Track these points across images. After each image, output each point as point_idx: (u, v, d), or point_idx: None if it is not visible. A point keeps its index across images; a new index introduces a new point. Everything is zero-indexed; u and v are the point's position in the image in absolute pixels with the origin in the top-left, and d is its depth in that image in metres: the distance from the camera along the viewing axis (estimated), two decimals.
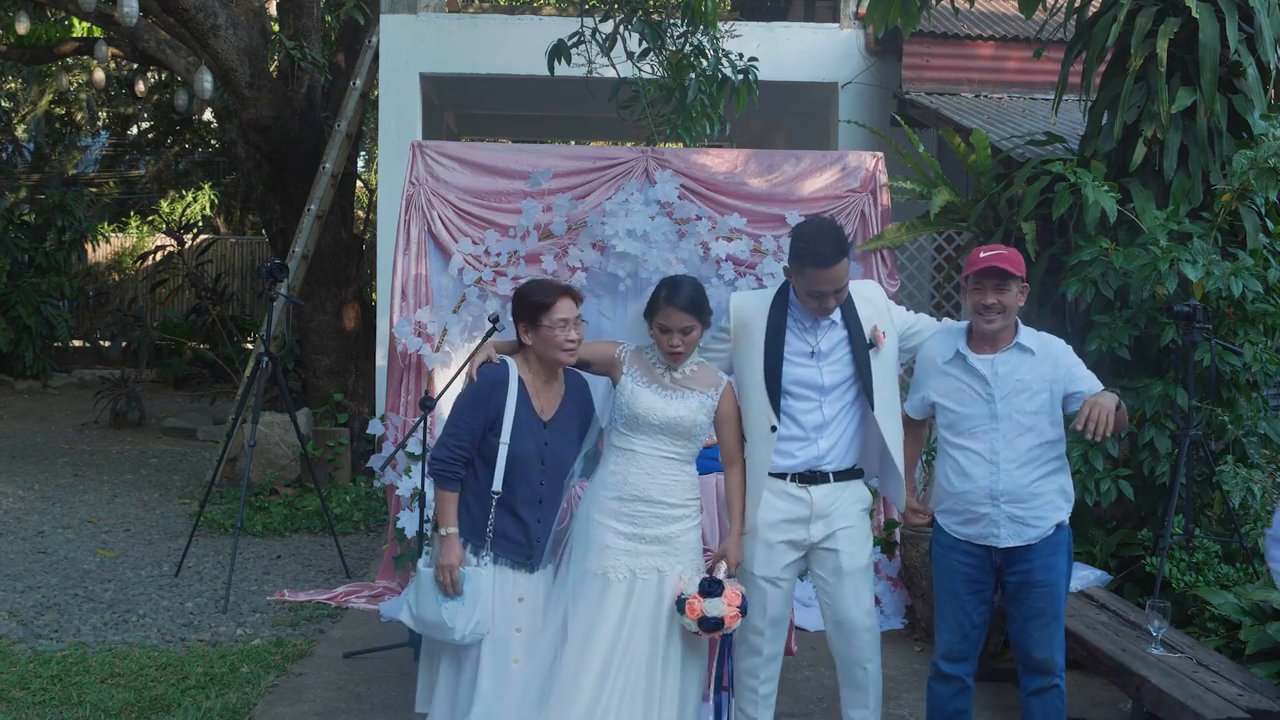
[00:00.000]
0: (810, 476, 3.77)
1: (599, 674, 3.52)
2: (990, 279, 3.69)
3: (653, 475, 3.67)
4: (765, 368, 3.73)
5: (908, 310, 4.04)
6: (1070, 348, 3.81)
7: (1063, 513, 3.75)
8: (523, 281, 6.05)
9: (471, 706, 3.59)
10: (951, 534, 3.81)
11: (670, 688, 3.63)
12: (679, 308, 3.66)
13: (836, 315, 3.79)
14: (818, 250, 3.65)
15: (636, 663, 3.58)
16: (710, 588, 3.55)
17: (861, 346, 3.76)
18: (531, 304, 3.72)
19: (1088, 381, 3.72)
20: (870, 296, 3.91)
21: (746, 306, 3.86)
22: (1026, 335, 3.78)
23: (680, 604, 3.56)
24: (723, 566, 3.66)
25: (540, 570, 3.72)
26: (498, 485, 3.64)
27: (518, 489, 3.67)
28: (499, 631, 3.64)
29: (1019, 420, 3.69)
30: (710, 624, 3.53)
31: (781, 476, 3.76)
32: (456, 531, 3.67)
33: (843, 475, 3.81)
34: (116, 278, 17.41)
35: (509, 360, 3.76)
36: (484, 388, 3.70)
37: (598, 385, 3.91)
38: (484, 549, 3.66)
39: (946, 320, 4.05)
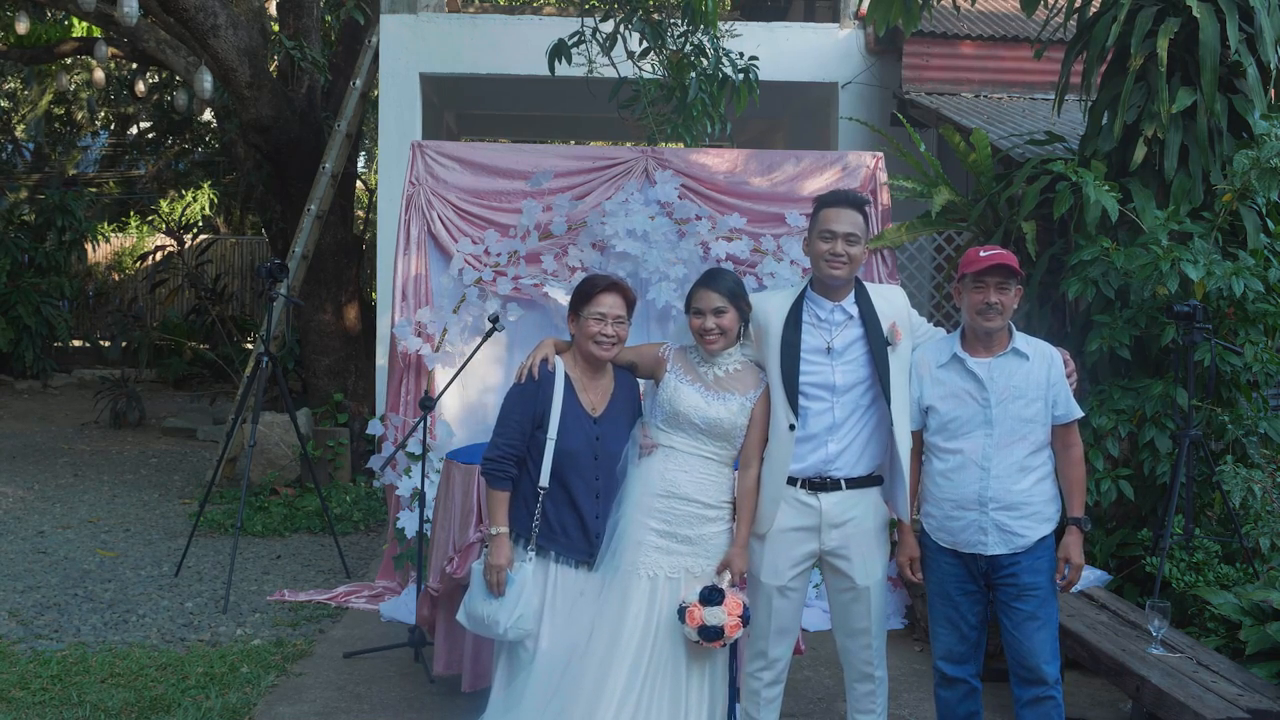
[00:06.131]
0: (820, 483, 3.72)
1: (629, 673, 3.51)
2: (993, 277, 3.67)
3: (690, 473, 3.66)
4: (782, 365, 3.70)
5: (928, 322, 3.99)
6: (1060, 356, 3.78)
7: (1049, 525, 3.71)
8: (522, 280, 6.13)
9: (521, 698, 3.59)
10: (937, 541, 3.79)
11: (696, 687, 3.62)
12: (709, 288, 3.68)
13: (854, 311, 3.77)
14: (832, 194, 3.83)
15: (663, 662, 3.56)
16: (711, 596, 3.52)
17: (880, 347, 3.72)
18: (578, 293, 3.78)
19: (1065, 405, 3.72)
20: (891, 298, 3.89)
21: (766, 304, 3.83)
22: (1021, 340, 3.76)
23: (680, 612, 3.54)
24: (726, 575, 3.64)
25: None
26: (544, 481, 3.65)
27: (573, 486, 3.67)
28: (563, 635, 3.62)
29: (1013, 426, 3.66)
30: (710, 633, 3.50)
31: (792, 482, 3.72)
32: (507, 531, 3.68)
33: (855, 483, 3.75)
34: (116, 278, 17.42)
35: (559, 358, 3.77)
36: (529, 385, 3.71)
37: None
38: (530, 545, 3.66)
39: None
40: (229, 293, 15.77)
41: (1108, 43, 5.71)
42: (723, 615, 3.50)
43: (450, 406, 6.08)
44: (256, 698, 4.77)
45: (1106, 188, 5.60)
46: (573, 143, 14.42)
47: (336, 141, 9.53)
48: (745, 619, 3.57)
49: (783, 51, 9.19)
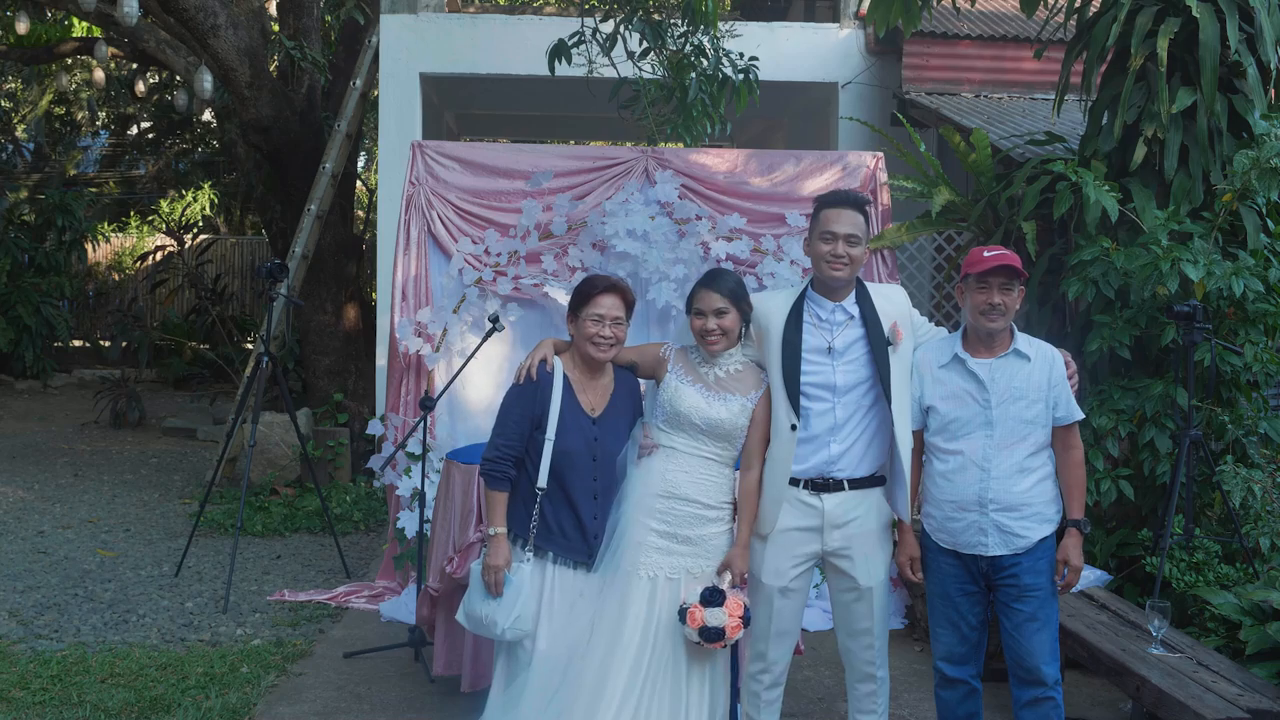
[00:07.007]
0: (822, 484, 3.72)
1: (629, 674, 3.51)
2: (997, 278, 3.67)
3: (690, 474, 3.66)
4: (783, 365, 3.69)
5: (929, 322, 3.99)
6: (1062, 358, 3.78)
7: (1050, 526, 3.71)
8: (522, 280, 6.13)
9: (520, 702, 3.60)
10: (937, 542, 3.79)
11: (696, 688, 3.61)
12: (710, 288, 3.68)
13: (855, 311, 3.76)
14: (833, 194, 3.82)
15: (663, 663, 3.56)
16: (712, 597, 3.52)
17: (880, 346, 3.71)
18: (577, 294, 3.77)
19: (1066, 406, 3.71)
20: (893, 297, 3.88)
21: (766, 305, 3.83)
22: (1023, 341, 3.76)
23: (681, 613, 3.54)
24: (727, 576, 3.64)
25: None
26: (542, 482, 3.65)
27: (572, 486, 3.66)
28: (562, 635, 3.61)
29: (1013, 428, 3.66)
30: (711, 634, 3.50)
31: (794, 483, 3.71)
32: (505, 532, 3.67)
33: (858, 483, 3.74)
34: (116, 278, 17.43)
35: (558, 359, 3.77)
36: (528, 386, 3.71)
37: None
38: (528, 545, 3.66)
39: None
40: (229, 293, 15.78)
41: (1108, 43, 5.71)
42: (724, 616, 3.50)
43: (451, 406, 6.08)
44: (256, 698, 4.77)
45: (1106, 188, 5.60)
46: (573, 143, 14.42)
47: (336, 141, 9.53)
48: (746, 620, 3.57)
49: (783, 51, 9.19)
